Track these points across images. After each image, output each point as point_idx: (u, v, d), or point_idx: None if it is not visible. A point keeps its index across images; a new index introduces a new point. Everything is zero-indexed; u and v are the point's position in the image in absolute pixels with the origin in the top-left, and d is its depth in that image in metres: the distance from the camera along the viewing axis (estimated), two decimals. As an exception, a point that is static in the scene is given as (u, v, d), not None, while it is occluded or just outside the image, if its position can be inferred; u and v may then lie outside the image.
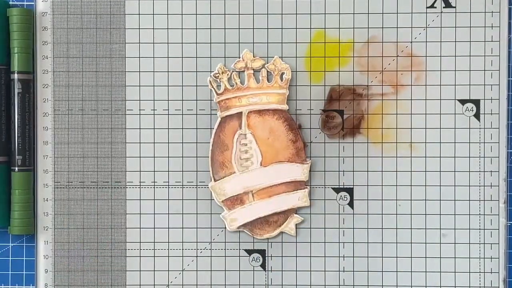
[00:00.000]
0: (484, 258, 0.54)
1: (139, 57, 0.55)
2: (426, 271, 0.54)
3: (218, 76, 0.54)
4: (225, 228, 0.55)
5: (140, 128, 0.55)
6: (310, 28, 0.54)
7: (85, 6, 0.55)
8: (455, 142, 0.54)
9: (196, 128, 0.55)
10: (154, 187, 0.55)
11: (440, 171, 0.54)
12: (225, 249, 0.55)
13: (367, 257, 0.54)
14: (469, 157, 0.54)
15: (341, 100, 0.54)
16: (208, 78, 0.54)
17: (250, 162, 0.54)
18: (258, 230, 0.54)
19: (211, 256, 0.55)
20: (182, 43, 0.55)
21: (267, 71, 0.54)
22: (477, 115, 0.54)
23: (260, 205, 0.54)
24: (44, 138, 0.55)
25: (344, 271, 0.55)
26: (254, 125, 0.54)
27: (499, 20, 0.54)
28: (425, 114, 0.54)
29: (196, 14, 0.54)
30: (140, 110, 0.55)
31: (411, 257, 0.54)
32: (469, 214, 0.54)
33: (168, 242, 0.54)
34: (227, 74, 0.54)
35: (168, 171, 0.55)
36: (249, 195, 0.54)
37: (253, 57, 0.54)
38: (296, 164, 0.54)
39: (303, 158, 0.54)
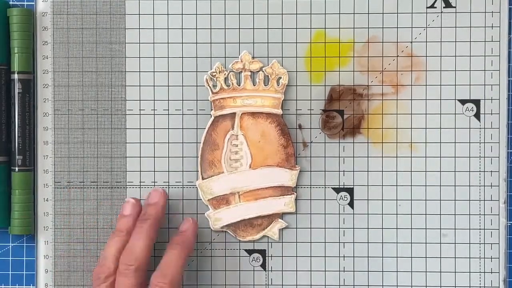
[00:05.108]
0: (484, 258, 0.54)
1: (139, 57, 0.55)
2: (426, 271, 0.54)
3: (215, 74, 0.54)
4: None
5: (140, 128, 0.55)
6: (310, 28, 0.54)
7: (85, 6, 0.55)
8: (455, 142, 0.54)
9: (196, 128, 0.55)
10: (154, 187, 0.55)
11: (440, 171, 0.54)
12: (225, 249, 0.55)
13: (367, 257, 0.54)
14: (469, 157, 0.54)
15: (341, 100, 0.54)
16: (205, 76, 0.54)
17: (240, 163, 0.54)
18: (242, 232, 0.54)
19: (211, 256, 0.55)
20: (182, 43, 0.55)
21: (265, 74, 0.54)
22: (477, 115, 0.54)
23: (245, 207, 0.54)
24: (44, 138, 0.55)
25: (344, 271, 0.55)
26: (246, 127, 0.54)
27: (499, 20, 0.54)
28: (425, 114, 0.54)
29: (196, 14, 0.54)
30: (140, 110, 0.55)
31: (411, 257, 0.54)
32: (469, 214, 0.54)
33: (168, 242, 0.54)
34: (224, 74, 0.54)
35: (168, 171, 0.55)
36: (236, 196, 0.54)
37: (252, 58, 0.54)
38: (285, 170, 0.54)
39: (292, 164, 0.54)
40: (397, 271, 0.54)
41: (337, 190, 0.54)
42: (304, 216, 0.54)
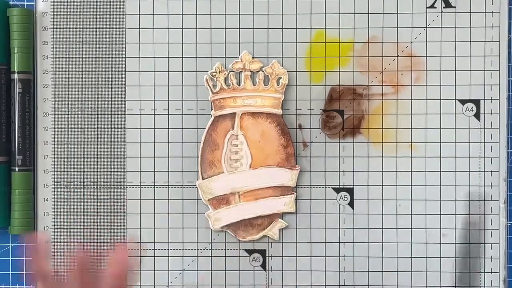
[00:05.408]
0: (484, 258, 0.54)
1: (139, 57, 0.55)
2: (426, 271, 0.54)
3: (215, 74, 0.54)
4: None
5: (140, 128, 0.55)
6: (310, 28, 0.54)
7: (85, 6, 0.55)
8: (455, 142, 0.54)
9: (196, 128, 0.55)
10: (154, 187, 0.55)
11: (440, 171, 0.54)
12: (225, 249, 0.55)
13: (367, 257, 0.54)
14: (469, 157, 0.54)
15: (341, 100, 0.54)
16: (205, 76, 0.54)
17: (240, 163, 0.54)
18: (242, 232, 0.54)
19: (211, 256, 0.55)
20: (182, 43, 0.55)
21: (264, 74, 0.54)
22: (477, 115, 0.54)
23: (245, 207, 0.54)
24: (44, 138, 0.55)
25: (344, 271, 0.55)
26: (246, 127, 0.54)
27: (499, 20, 0.54)
28: (425, 114, 0.54)
29: (196, 14, 0.54)
30: (140, 110, 0.55)
31: (411, 257, 0.54)
32: (469, 214, 0.54)
33: (168, 242, 0.54)
34: (224, 74, 0.54)
35: (168, 171, 0.55)
36: (236, 196, 0.54)
37: (252, 58, 0.54)
38: (285, 169, 0.54)
39: (292, 164, 0.54)
40: (397, 271, 0.54)
41: (337, 190, 0.54)
42: (304, 216, 0.54)
